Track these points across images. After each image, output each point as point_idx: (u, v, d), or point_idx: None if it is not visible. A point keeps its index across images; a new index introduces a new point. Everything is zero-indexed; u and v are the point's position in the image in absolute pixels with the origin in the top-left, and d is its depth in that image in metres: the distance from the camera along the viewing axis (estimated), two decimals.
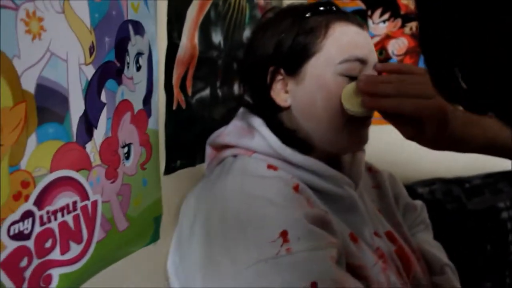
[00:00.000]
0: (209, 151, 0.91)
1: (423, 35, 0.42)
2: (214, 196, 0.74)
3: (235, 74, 1.06)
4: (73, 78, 0.52)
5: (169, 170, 0.80)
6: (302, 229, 0.66)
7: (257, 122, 0.81)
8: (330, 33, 0.77)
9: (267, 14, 0.86)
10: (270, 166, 0.78)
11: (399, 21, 1.43)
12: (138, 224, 0.70)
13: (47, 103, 0.49)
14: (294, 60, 0.78)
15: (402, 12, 1.44)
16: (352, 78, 0.77)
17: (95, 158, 0.58)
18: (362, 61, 0.77)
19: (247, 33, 1.14)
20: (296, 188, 0.75)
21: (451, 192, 1.38)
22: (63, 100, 0.51)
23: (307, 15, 0.79)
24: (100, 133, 0.58)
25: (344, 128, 0.78)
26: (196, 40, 0.87)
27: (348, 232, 0.78)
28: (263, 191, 0.72)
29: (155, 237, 0.76)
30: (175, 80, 0.79)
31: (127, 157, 0.65)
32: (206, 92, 0.93)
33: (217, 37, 0.96)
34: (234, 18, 1.06)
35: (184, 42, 0.82)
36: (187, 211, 0.79)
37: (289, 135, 0.80)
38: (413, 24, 1.44)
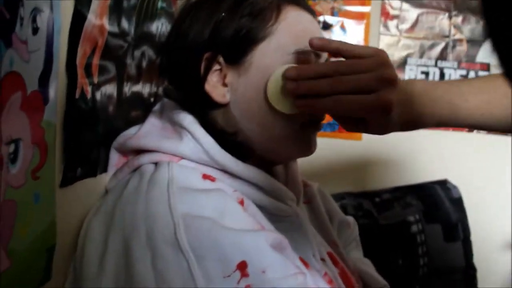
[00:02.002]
0: (115, 157, 0.71)
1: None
2: (135, 218, 0.55)
3: (142, 72, 0.87)
4: None
5: (66, 181, 0.58)
6: (266, 258, 0.51)
7: (188, 120, 0.64)
8: (283, 18, 0.64)
9: None
10: (206, 176, 0.61)
11: None
12: (25, 261, 0.47)
13: None
14: (238, 46, 0.63)
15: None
16: None
17: None
18: (317, 54, 0.66)
19: (155, 26, 0.95)
20: (241, 204, 0.60)
21: (361, 206, 1.34)
22: None
23: None
24: None
25: (296, 133, 0.65)
26: (105, 19, 0.67)
27: (297, 256, 0.64)
28: (205, 209, 0.55)
29: (46, 276, 0.54)
30: (80, 59, 0.58)
31: (13, 160, 0.43)
32: (113, 84, 0.73)
33: (126, 24, 0.77)
34: (146, 5, 0.87)
35: (93, 17, 0.62)
36: (92, 238, 0.59)
37: (225, 138, 0.64)
38: (326, 33, 1.39)
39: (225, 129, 0.65)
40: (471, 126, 0.68)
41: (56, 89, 0.52)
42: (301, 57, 0.64)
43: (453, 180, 1.40)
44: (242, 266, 0.49)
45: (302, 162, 1.08)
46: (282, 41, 0.63)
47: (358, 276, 0.83)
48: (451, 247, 1.31)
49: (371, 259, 0.93)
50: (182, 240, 0.50)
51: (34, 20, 0.45)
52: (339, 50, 0.61)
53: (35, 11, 0.45)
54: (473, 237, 1.37)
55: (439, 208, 1.33)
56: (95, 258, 0.56)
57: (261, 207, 0.63)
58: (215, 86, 0.64)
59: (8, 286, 0.44)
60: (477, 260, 1.37)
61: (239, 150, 0.65)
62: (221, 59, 0.64)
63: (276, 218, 0.65)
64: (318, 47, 0.61)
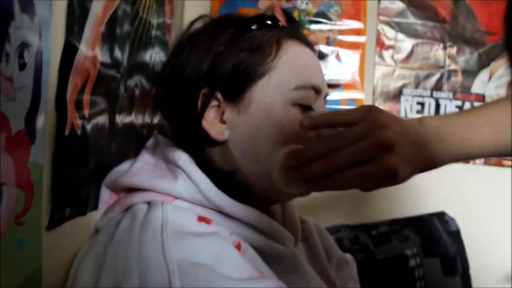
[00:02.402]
0: (106, 195, 0.68)
1: None
2: (127, 262, 0.52)
3: (135, 103, 0.84)
4: None
5: (53, 223, 0.55)
6: None
7: (183, 159, 0.61)
8: (283, 52, 0.63)
9: (195, 23, 0.68)
10: (201, 219, 0.58)
11: None
12: None
13: None
14: (237, 82, 0.61)
15: None
16: (305, 108, 0.62)
17: None
18: (317, 90, 0.64)
19: (148, 55, 0.94)
20: (238, 248, 0.57)
21: (358, 239, 1.31)
22: None
23: (253, 27, 0.64)
24: None
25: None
26: (98, 49, 0.64)
27: None
28: (201, 255, 0.51)
29: None
30: (70, 94, 0.56)
31: None
32: (104, 115, 0.70)
33: (119, 53, 0.75)
34: (140, 34, 0.86)
35: (85, 47, 0.59)
36: (82, 281, 0.56)
37: (222, 177, 0.62)
38: (321, 63, 1.38)
39: (223, 168, 0.62)
40: (484, 157, 0.68)
41: (44, 126, 0.49)
42: (301, 93, 0.62)
43: (451, 212, 1.38)
44: None
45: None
46: (283, 77, 0.61)
47: None
48: (449, 282, 1.27)
49: None
50: None
51: (21, 56, 0.42)
52: (329, 124, 0.60)
53: (23, 46, 0.42)
54: (472, 270, 1.34)
55: (437, 241, 1.30)
56: None
57: (258, 249, 0.60)
58: (213, 123, 0.62)
59: None
60: None
61: (236, 190, 0.62)
62: (219, 95, 0.61)
63: (274, 260, 0.62)
64: (309, 127, 0.59)
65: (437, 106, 1.41)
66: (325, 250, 0.84)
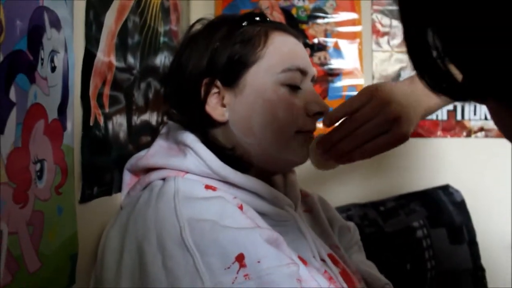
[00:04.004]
0: (127, 177, 0.79)
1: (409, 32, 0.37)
2: (146, 225, 0.62)
3: (149, 101, 0.96)
4: None
5: (85, 198, 0.66)
6: (261, 250, 0.58)
7: (190, 139, 0.72)
8: (270, 42, 0.73)
9: (195, 25, 0.79)
10: (208, 187, 0.69)
11: (308, 51, 1.45)
12: (53, 264, 0.55)
13: None
14: (232, 70, 0.72)
15: (310, 42, 1.47)
16: (293, 87, 0.73)
17: (0, 173, 0.44)
18: (303, 72, 0.74)
19: (158, 59, 1.05)
20: (240, 209, 0.67)
21: (367, 216, 1.39)
22: None
23: (244, 24, 0.74)
24: (7, 141, 0.45)
25: (288, 143, 0.72)
26: (113, 56, 0.76)
27: (296, 255, 0.71)
28: (207, 213, 0.62)
29: (71, 281, 0.61)
30: (92, 91, 0.68)
31: (40, 177, 0.52)
32: (123, 114, 0.82)
33: (132, 59, 0.86)
34: (149, 40, 0.97)
35: (101, 55, 0.71)
36: (110, 247, 0.66)
37: (225, 153, 0.72)
38: (322, 54, 1.47)
39: (225, 145, 0.73)
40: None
41: (73, 118, 0.61)
42: (288, 75, 0.72)
43: (455, 184, 1.45)
44: (240, 258, 0.56)
45: (309, 178, 1.15)
46: (271, 63, 0.72)
47: (360, 276, 0.89)
48: (457, 250, 1.34)
49: (380, 266, 0.97)
50: (188, 240, 0.58)
51: (52, 60, 0.54)
52: (343, 115, 0.72)
53: (53, 52, 0.54)
54: (480, 239, 1.40)
55: (442, 212, 1.37)
56: (113, 263, 0.63)
57: (260, 213, 0.70)
58: (215, 107, 0.72)
59: (40, 285, 0.52)
60: (486, 261, 1.40)
61: (238, 163, 0.72)
62: (218, 83, 0.72)
63: (275, 222, 0.72)
64: (330, 124, 0.73)
65: None
66: (328, 219, 0.93)
